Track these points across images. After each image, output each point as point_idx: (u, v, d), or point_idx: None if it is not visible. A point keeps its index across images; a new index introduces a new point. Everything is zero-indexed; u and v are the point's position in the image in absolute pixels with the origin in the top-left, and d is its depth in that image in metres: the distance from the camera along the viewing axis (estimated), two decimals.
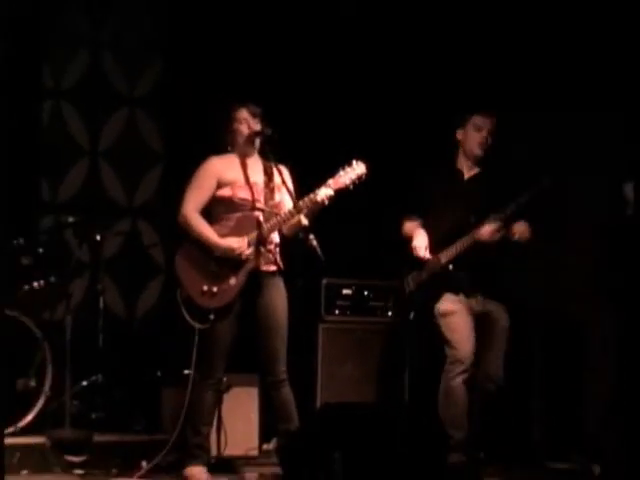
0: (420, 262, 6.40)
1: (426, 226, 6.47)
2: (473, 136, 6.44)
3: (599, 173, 6.91)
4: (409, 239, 6.46)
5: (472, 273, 6.36)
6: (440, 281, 6.40)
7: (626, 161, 6.79)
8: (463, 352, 6.27)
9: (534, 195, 6.19)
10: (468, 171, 6.53)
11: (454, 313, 6.34)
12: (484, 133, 6.42)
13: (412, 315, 6.59)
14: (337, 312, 7.26)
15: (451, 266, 6.36)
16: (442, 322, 6.35)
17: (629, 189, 6.61)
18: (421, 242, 6.38)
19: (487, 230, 6.24)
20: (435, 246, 6.40)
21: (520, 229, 6.25)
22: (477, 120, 6.43)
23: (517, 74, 7.38)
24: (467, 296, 6.39)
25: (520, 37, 7.44)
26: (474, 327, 6.36)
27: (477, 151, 6.43)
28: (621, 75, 6.96)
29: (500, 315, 6.40)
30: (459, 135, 6.50)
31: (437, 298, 6.37)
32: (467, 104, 6.73)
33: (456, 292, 6.38)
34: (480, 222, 6.30)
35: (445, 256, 6.37)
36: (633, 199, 6.61)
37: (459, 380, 6.26)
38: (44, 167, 8.07)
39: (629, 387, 6.53)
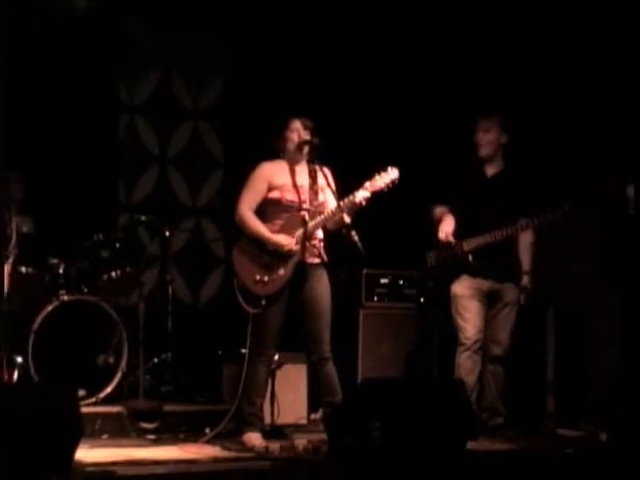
0: (444, 244, 6.41)
1: (452, 214, 6.47)
2: (476, 138, 6.51)
3: (605, 178, 6.87)
4: (437, 222, 6.49)
5: (489, 263, 6.34)
6: (458, 265, 6.43)
7: (628, 167, 6.79)
8: (469, 333, 6.37)
9: (557, 217, 6.15)
10: (490, 170, 6.53)
11: (465, 296, 6.41)
12: (480, 135, 6.46)
13: (431, 285, 6.66)
14: (376, 299, 7.34)
15: (471, 256, 6.37)
16: (454, 303, 6.45)
17: (630, 191, 6.66)
18: (448, 227, 6.39)
19: (524, 224, 6.27)
20: (459, 233, 6.38)
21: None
22: (479, 123, 6.50)
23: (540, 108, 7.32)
24: (483, 279, 6.40)
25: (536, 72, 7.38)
26: (484, 309, 6.41)
27: (480, 152, 6.50)
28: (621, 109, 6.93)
29: (509, 291, 6.42)
30: (474, 139, 6.52)
31: (453, 279, 6.45)
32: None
33: (473, 275, 6.41)
34: (500, 218, 6.29)
35: (468, 245, 6.38)
36: (634, 199, 6.65)
37: (465, 356, 6.36)
38: (120, 172, 8.23)
39: (632, 363, 6.57)
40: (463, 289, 6.43)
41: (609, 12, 6.94)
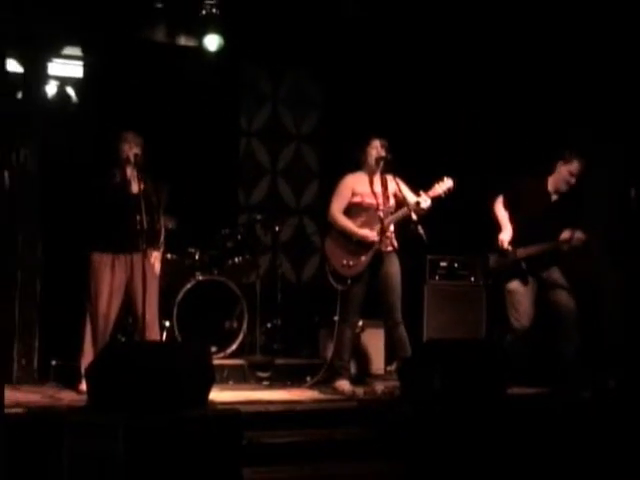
0: (502, 251, 6.06)
1: (513, 211, 6.09)
2: (565, 177, 5.97)
3: (611, 182, 6.65)
4: (497, 223, 6.11)
5: (538, 262, 6.01)
6: (511, 269, 6.07)
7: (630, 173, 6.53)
8: (519, 325, 6.02)
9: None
10: (554, 194, 6.07)
11: (518, 292, 6.05)
12: (574, 179, 5.97)
13: (490, 281, 6.50)
14: (437, 278, 7.29)
15: (524, 264, 6.01)
16: (508, 298, 6.08)
17: (632, 192, 6.42)
18: (506, 236, 6.03)
19: (579, 237, 5.92)
20: (514, 238, 6.03)
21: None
22: (574, 165, 5.94)
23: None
24: (532, 276, 6.04)
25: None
26: (535, 298, 6.04)
27: (564, 188, 6.01)
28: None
29: (554, 272, 6.04)
30: (558, 166, 6.00)
31: (509, 279, 6.07)
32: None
33: (524, 279, 6.03)
34: (554, 234, 5.94)
35: (523, 252, 6.01)
36: (635, 199, 6.41)
37: (512, 341, 6.04)
38: (241, 182, 8.23)
39: (634, 327, 6.40)
40: (517, 286, 6.06)
41: (609, 13, 6.56)
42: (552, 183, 6.08)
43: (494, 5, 6.91)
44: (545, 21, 6.88)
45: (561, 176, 6.01)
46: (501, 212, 6.17)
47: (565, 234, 5.97)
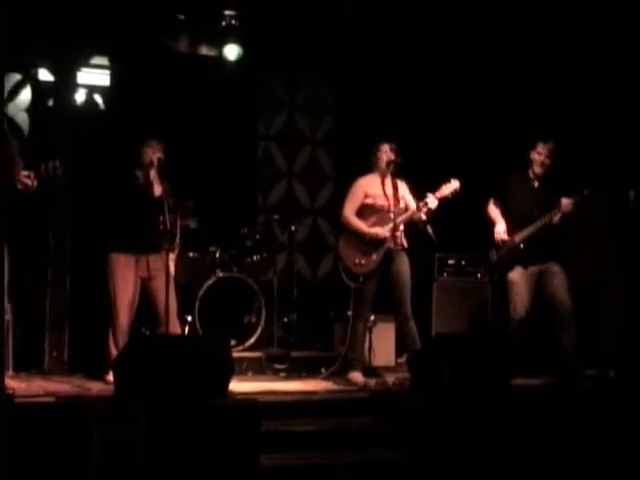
0: (500, 243, 6.15)
1: (504, 209, 6.20)
2: (537, 159, 6.13)
3: (613, 185, 6.51)
4: (491, 222, 6.21)
5: (536, 249, 6.06)
6: (514, 256, 6.11)
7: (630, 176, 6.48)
8: (516, 315, 6.04)
9: (580, 199, 5.94)
10: (535, 181, 6.17)
11: (517, 282, 6.07)
12: (544, 157, 6.09)
13: (496, 276, 6.40)
14: (445, 275, 7.24)
15: (522, 245, 6.09)
16: (509, 287, 6.11)
17: (632, 194, 6.42)
18: (501, 228, 6.14)
19: (567, 202, 5.94)
20: (510, 229, 6.14)
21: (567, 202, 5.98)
22: (539, 147, 6.12)
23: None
24: (531, 265, 6.06)
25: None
26: (534, 292, 6.05)
27: (540, 170, 6.13)
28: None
29: (554, 266, 6.06)
30: (530, 156, 6.14)
31: (510, 268, 6.11)
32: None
33: (525, 265, 6.07)
34: (541, 214, 6.02)
35: (519, 237, 6.10)
36: (634, 201, 6.43)
37: (510, 331, 6.05)
38: (259, 184, 8.20)
39: (633, 322, 6.37)
40: (517, 277, 6.09)
41: (609, 13, 6.47)
42: (531, 172, 6.20)
43: (494, 5, 6.84)
44: (545, 21, 6.80)
45: (534, 161, 6.15)
46: (493, 211, 6.27)
47: (566, 200, 6.02)
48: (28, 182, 5.02)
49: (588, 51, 6.72)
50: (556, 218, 6.05)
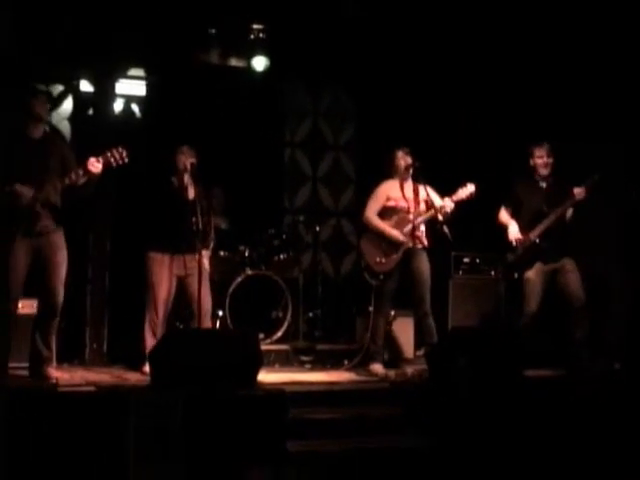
0: (515, 244, 6.04)
1: (515, 214, 6.12)
2: (539, 163, 6.06)
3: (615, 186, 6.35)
4: (503, 226, 6.15)
5: (551, 243, 5.97)
6: (531, 253, 6.01)
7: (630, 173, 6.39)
8: (529, 309, 5.98)
9: (591, 183, 5.83)
10: (542, 182, 6.08)
11: (533, 280, 6.00)
12: (546, 158, 6.01)
13: (515, 276, 6.24)
14: (460, 272, 7.12)
15: (537, 240, 5.98)
16: (525, 284, 6.03)
17: (633, 194, 6.32)
18: (514, 229, 6.07)
19: (580, 190, 5.84)
20: (523, 228, 6.05)
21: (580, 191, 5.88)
22: (536, 151, 6.03)
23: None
24: (549, 262, 5.97)
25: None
26: (547, 287, 5.98)
27: (545, 172, 6.04)
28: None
29: (567, 263, 5.98)
30: (531, 161, 6.07)
31: (529, 267, 6.01)
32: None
33: (543, 261, 5.98)
34: (550, 210, 5.93)
35: (534, 234, 5.99)
36: (635, 200, 6.33)
37: (523, 323, 5.99)
38: (285, 187, 8.19)
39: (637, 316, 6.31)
40: (533, 275, 6.00)
41: (609, 13, 6.33)
42: (537, 176, 6.12)
43: (494, 5, 6.75)
44: (545, 21, 6.69)
45: (536, 165, 6.08)
46: (504, 216, 6.21)
47: (578, 189, 5.91)
48: (95, 168, 5.01)
49: (588, 51, 6.61)
50: (569, 211, 5.98)
